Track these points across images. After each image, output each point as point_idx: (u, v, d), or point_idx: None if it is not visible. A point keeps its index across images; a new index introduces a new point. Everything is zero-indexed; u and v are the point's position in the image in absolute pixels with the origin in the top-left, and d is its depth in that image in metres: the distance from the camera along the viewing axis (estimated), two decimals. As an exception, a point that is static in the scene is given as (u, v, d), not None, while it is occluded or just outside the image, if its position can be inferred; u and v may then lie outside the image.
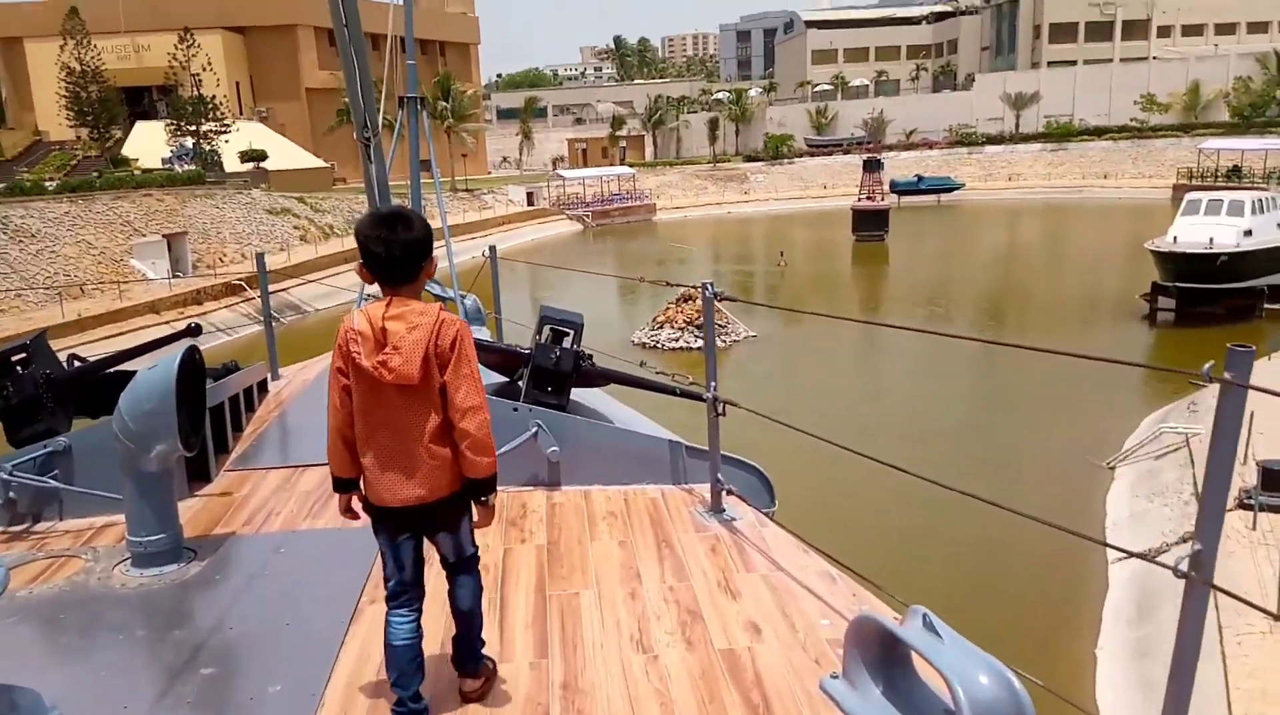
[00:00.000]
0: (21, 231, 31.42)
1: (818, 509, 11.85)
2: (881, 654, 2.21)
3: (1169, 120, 78.21)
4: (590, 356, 4.73)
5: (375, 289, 2.95)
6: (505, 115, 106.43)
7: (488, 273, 8.27)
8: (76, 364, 5.38)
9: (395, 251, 2.82)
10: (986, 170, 76.60)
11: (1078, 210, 63.25)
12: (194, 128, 51.49)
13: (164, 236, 35.59)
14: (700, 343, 25.44)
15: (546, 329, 4.77)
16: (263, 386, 7.14)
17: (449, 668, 3.10)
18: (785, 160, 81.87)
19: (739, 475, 4.53)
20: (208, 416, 5.00)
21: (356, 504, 3.02)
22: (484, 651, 3.14)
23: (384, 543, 2.98)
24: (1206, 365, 2.20)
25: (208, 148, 51.49)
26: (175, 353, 3.86)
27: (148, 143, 53.68)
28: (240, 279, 34.35)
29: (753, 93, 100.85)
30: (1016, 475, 15.92)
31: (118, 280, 31.69)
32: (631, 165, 79.52)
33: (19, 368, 4.96)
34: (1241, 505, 11.55)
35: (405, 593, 2.98)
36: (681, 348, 25.55)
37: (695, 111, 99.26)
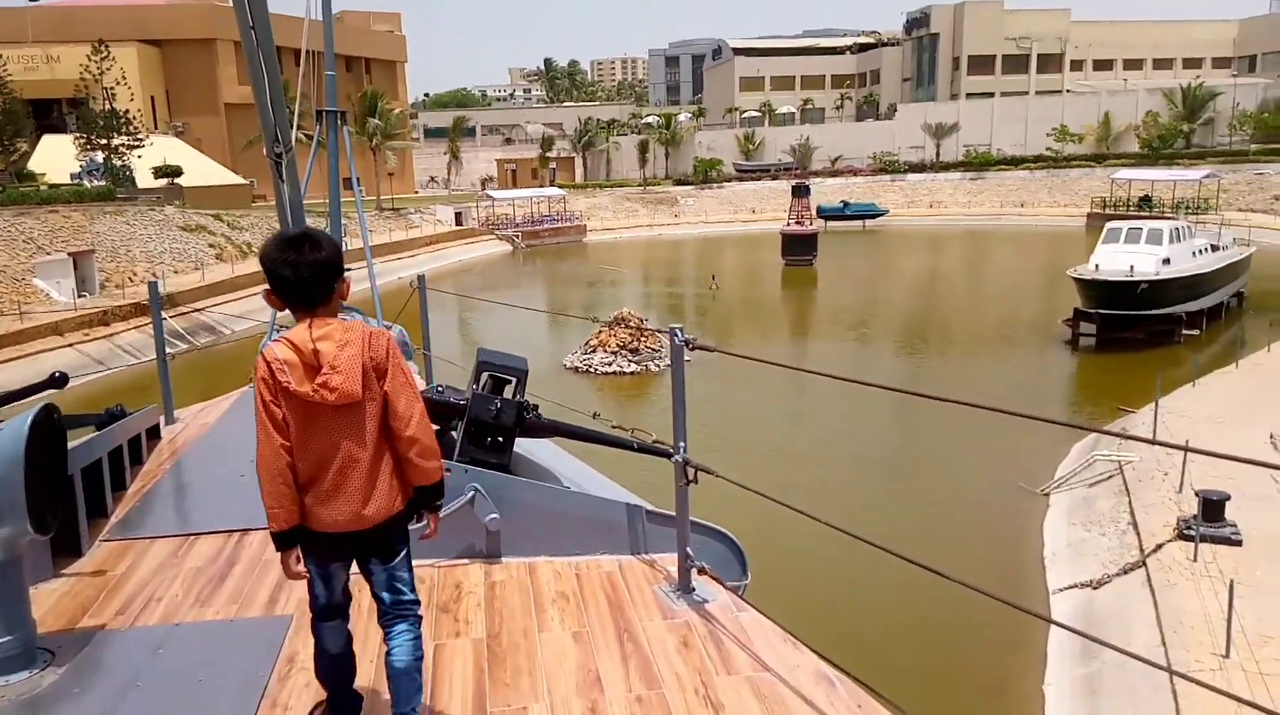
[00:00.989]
0: (-89, 248, 29.51)
1: (783, 570, 11.45)
2: None
3: (1082, 151, 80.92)
4: (535, 407, 4.10)
5: (285, 316, 2.86)
6: (433, 134, 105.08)
7: (416, 301, 7.59)
8: None
9: (305, 273, 2.74)
10: (909, 197, 78.14)
11: (997, 236, 64.83)
12: (105, 142, 49.37)
13: (70, 254, 33.81)
14: (634, 368, 25.04)
15: (485, 376, 4.12)
16: (154, 432, 6.35)
17: None
18: (715, 184, 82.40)
19: (706, 543, 3.96)
20: (78, 481, 4.29)
21: (299, 565, 2.86)
22: None
23: (313, 568, 2.89)
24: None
25: (119, 163, 49.39)
26: (25, 415, 3.08)
27: (56, 157, 51.28)
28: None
29: (682, 117, 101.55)
30: (952, 502, 15.80)
31: (19, 300, 29.94)
32: (562, 187, 79.08)
33: None
34: (1181, 536, 11.51)
35: (333, 612, 2.94)
36: (615, 372, 25.05)
37: (625, 134, 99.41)
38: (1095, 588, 11.56)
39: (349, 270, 2.99)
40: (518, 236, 64.94)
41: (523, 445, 4.15)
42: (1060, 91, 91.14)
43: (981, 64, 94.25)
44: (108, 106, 50.23)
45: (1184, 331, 27.21)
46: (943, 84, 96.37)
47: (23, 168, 48.93)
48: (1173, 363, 25.66)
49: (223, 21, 65.30)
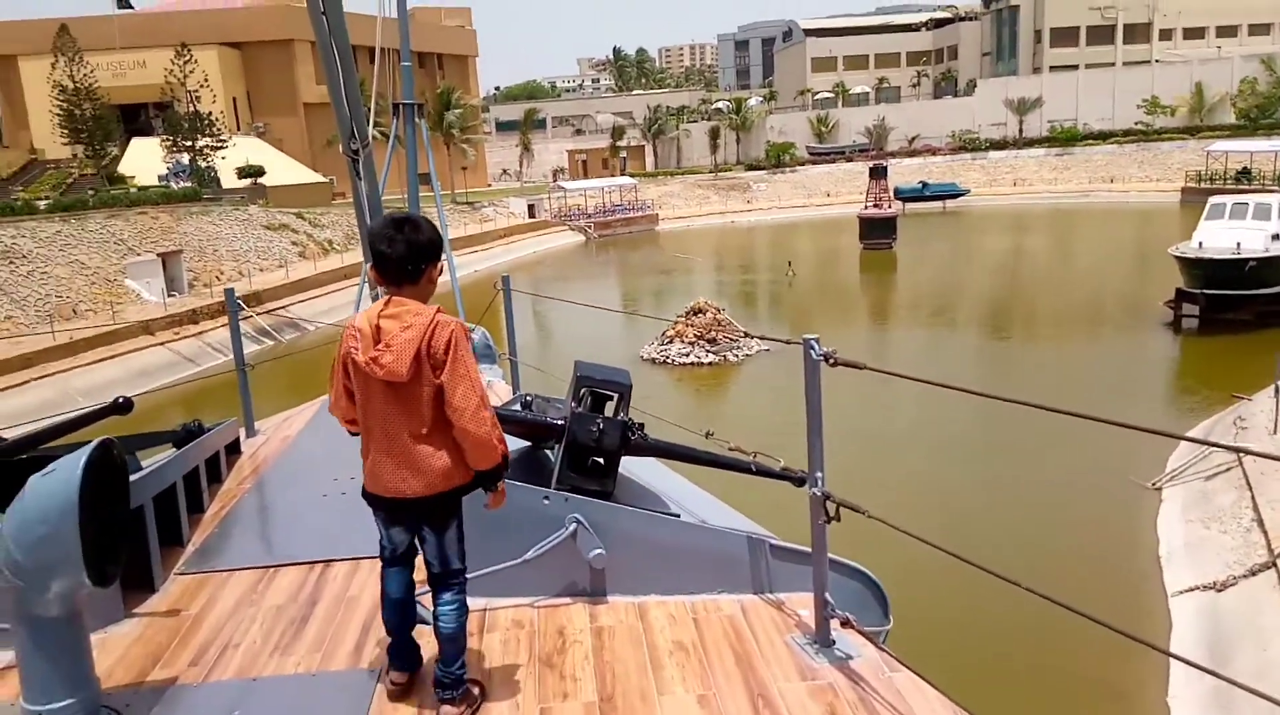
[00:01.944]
0: (11, 252, 30.59)
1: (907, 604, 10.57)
2: None
3: (1174, 123, 77.42)
4: (641, 426, 3.64)
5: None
6: (504, 127, 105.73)
7: (498, 304, 7.21)
8: None
9: (399, 249, 2.93)
10: (991, 176, 75.80)
11: (1085, 214, 62.44)
12: (190, 144, 50.72)
13: (159, 255, 34.75)
14: (712, 359, 24.61)
15: (584, 392, 3.69)
16: (234, 448, 6.10)
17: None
18: (787, 169, 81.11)
19: (842, 583, 3.46)
20: (149, 511, 4.03)
21: None
22: (468, 677, 3.11)
23: (379, 523, 3.13)
24: None
25: (204, 164, 50.69)
26: (79, 453, 2.75)
27: (144, 160, 52.90)
28: (239, 297, 33.48)
29: (752, 101, 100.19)
30: (1060, 497, 15.02)
31: (111, 300, 30.86)
32: (632, 175, 78.78)
33: None
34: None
35: (395, 560, 3.14)
36: (693, 363, 24.66)
37: (695, 121, 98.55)
38: (1219, 590, 10.78)
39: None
40: (590, 227, 64.87)
41: (624, 463, 3.77)
42: (1149, 62, 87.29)
43: (1065, 36, 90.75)
44: (192, 109, 51.58)
45: (1296, 311, 25.61)
46: (1024, 58, 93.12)
47: (113, 171, 50.58)
48: (1284, 345, 24.24)
49: (299, 22, 66.48)
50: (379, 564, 3.20)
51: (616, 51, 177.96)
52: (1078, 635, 10.51)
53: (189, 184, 47.14)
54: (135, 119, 63.01)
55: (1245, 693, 8.58)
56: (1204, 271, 25.16)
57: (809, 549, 3.16)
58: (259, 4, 69.63)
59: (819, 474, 3.02)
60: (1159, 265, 36.21)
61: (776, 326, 32.20)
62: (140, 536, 3.97)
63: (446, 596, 3.05)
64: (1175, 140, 73.39)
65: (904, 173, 71.58)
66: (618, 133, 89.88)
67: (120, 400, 4.33)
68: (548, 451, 3.99)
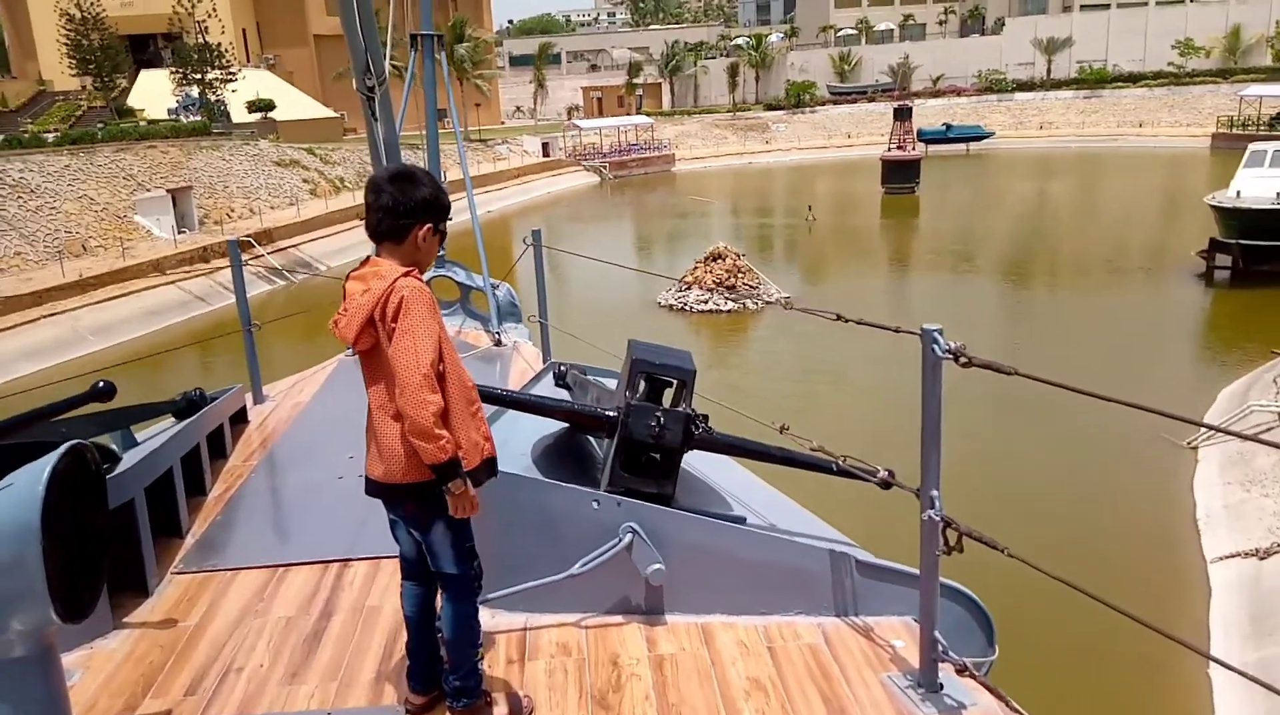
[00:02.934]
0: (20, 186, 30.09)
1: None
2: None
3: (1207, 66, 75.14)
4: (705, 417, 3.09)
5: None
6: (517, 62, 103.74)
7: (526, 260, 6.58)
8: None
9: (383, 201, 2.70)
10: (1017, 118, 74.04)
11: (1114, 159, 60.96)
12: (199, 76, 49.78)
13: (168, 191, 34.19)
14: (730, 306, 24.08)
15: (640, 379, 3.11)
16: (240, 417, 5.58)
17: None
18: (807, 109, 79.36)
19: (940, 606, 2.82)
20: (140, 505, 3.56)
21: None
22: (478, 688, 2.83)
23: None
24: None
25: (214, 97, 49.82)
26: (42, 463, 2.19)
27: (153, 92, 52.03)
28: (249, 236, 32.99)
29: (773, 38, 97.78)
30: (1091, 452, 14.57)
31: (121, 237, 30.44)
32: (649, 114, 77.30)
33: None
34: None
35: (413, 572, 2.88)
36: (711, 311, 24.16)
37: (714, 58, 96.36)
38: (1263, 558, 10.38)
39: (449, 220, 2.78)
40: (605, 167, 63.78)
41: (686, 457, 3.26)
42: (1183, 1, 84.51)
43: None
44: (201, 40, 50.51)
45: (1335, 264, 24.83)
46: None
47: (123, 104, 49.79)
48: (1321, 299, 23.55)
49: (310, -49, 64.89)
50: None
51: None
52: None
53: (198, 117, 46.37)
54: (144, 50, 61.91)
55: (1294, 669, 8.06)
56: (1241, 221, 24.34)
57: (903, 567, 2.69)
58: (268, -69, 67.92)
59: (935, 493, 2.50)
60: (1189, 213, 35.30)
61: (795, 272, 31.58)
62: (131, 534, 3.54)
63: (446, 599, 2.80)
64: (1207, 84, 71.34)
65: (927, 114, 69.89)
66: (634, 69, 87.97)
67: (100, 384, 3.87)
68: (589, 437, 3.51)
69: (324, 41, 67.31)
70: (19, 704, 2.24)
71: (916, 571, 2.63)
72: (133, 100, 51.10)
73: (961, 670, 2.73)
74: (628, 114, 78.66)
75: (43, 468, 2.17)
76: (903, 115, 47.99)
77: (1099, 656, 9.25)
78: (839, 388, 18.31)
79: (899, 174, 46.36)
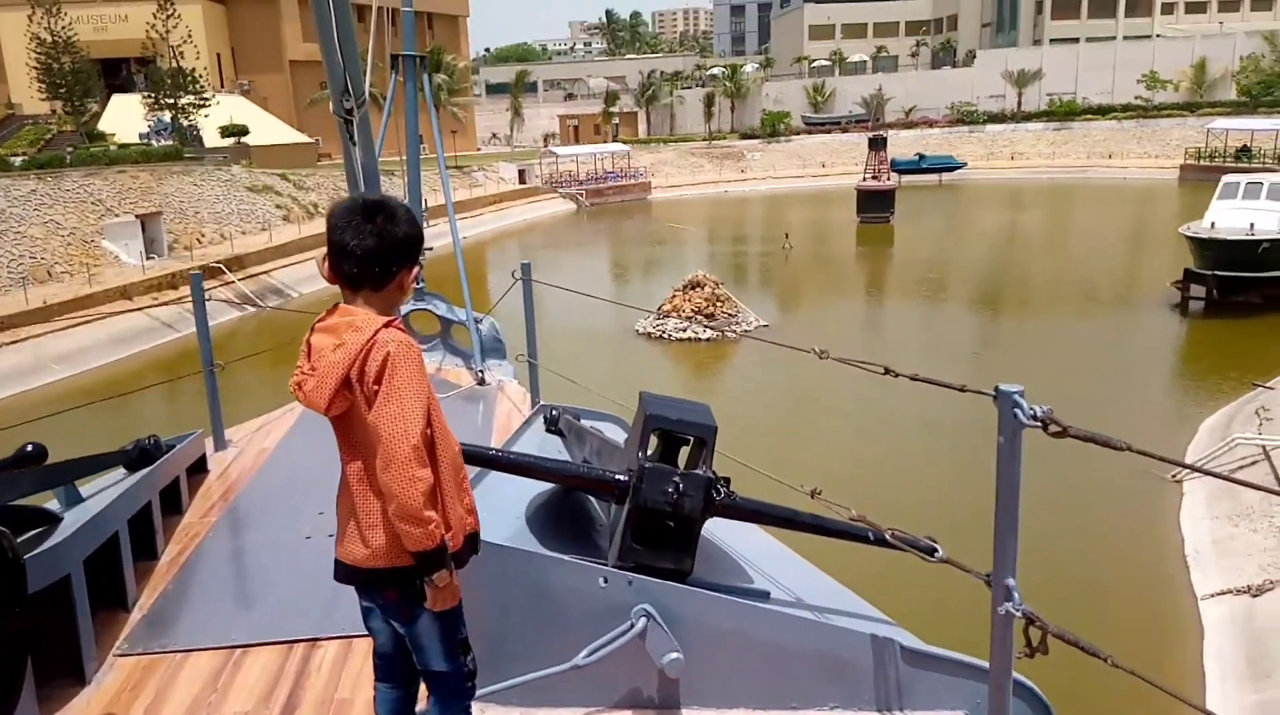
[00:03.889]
0: (-16, 210, 29.47)
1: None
2: None
3: (1174, 99, 76.53)
4: (726, 481, 2.69)
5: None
6: (494, 90, 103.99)
7: (516, 299, 6.19)
8: None
9: (367, 244, 2.31)
10: (989, 149, 74.90)
11: (1084, 190, 61.70)
12: (172, 101, 49.27)
13: (138, 216, 33.61)
14: (709, 335, 23.87)
15: (654, 438, 2.72)
16: (200, 466, 5.12)
17: None
18: (782, 138, 79.92)
19: (962, 687, 2.51)
20: (78, 582, 3.17)
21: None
22: None
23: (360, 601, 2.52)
24: None
25: (186, 122, 49.31)
26: None
27: (125, 117, 51.42)
28: (219, 262, 32.54)
29: (748, 68, 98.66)
30: (1075, 486, 14.40)
31: (88, 263, 29.82)
32: (625, 142, 77.47)
33: None
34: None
35: (390, 672, 2.54)
36: (690, 339, 23.94)
37: (690, 87, 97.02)
38: (1255, 595, 10.21)
39: (428, 250, 2.24)
40: (582, 194, 63.73)
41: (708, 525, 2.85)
42: (1150, 36, 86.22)
43: (1066, 7, 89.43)
44: (174, 65, 50.05)
45: (1306, 295, 25.05)
46: (1025, 29, 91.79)
47: (93, 128, 49.14)
48: (1294, 329, 23.71)
49: (286, -23, 64.77)
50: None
51: (609, 14, 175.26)
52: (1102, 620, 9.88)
53: (170, 142, 45.82)
54: (116, 74, 61.32)
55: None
56: (1216, 252, 24.53)
57: (956, 655, 2.34)
58: (244, -43, 67.73)
59: (1011, 582, 2.14)
60: (1161, 244, 35.64)
61: (773, 300, 31.48)
62: (67, 612, 3.11)
63: (432, 705, 2.47)
64: (1175, 117, 72.60)
65: (900, 144, 70.52)
66: (611, 98, 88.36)
67: (29, 448, 3.48)
68: (589, 498, 3.15)
69: (299, 67, 67.03)
70: None
71: (972, 660, 2.30)
72: (104, 125, 50.45)
73: None
74: (604, 142, 78.81)
75: None
76: (878, 145, 48.34)
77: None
78: (830, 416, 18.08)
79: (874, 203, 46.60)
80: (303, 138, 60.97)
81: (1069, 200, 59.21)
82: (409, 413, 2.20)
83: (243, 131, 51.67)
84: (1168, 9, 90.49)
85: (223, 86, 62.98)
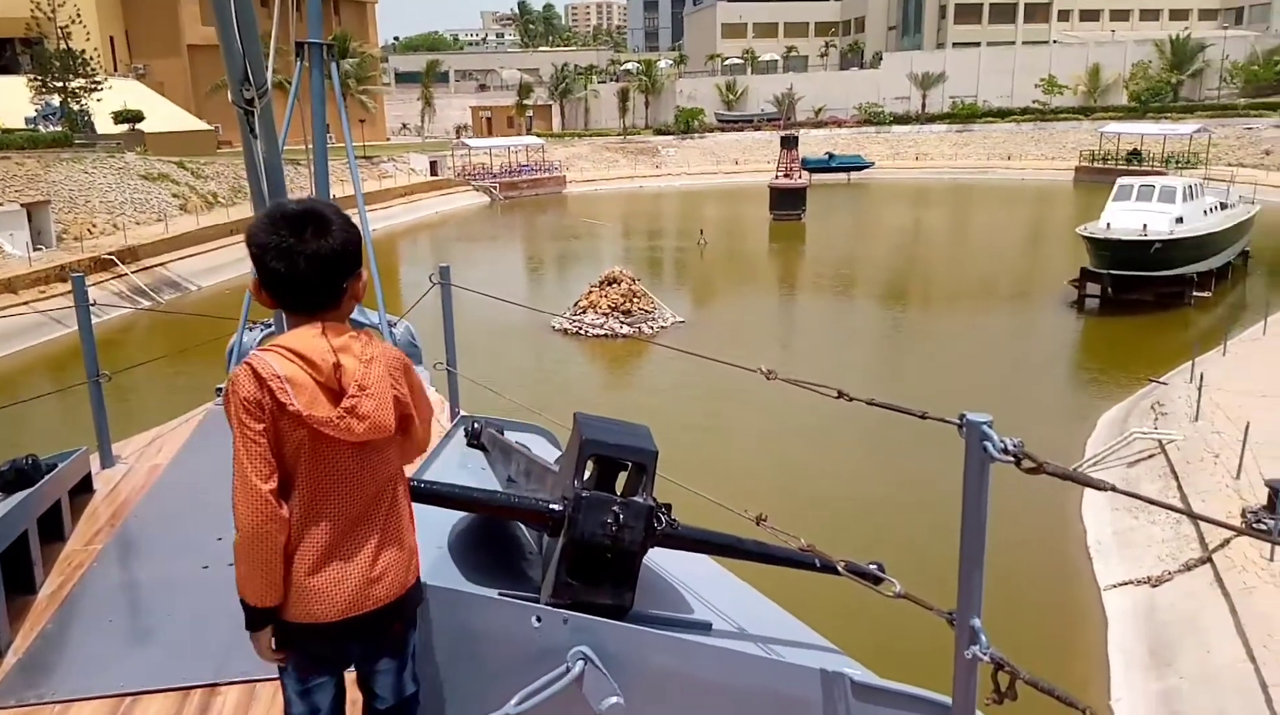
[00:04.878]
0: None
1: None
2: None
3: (1070, 103, 79.56)
4: (668, 508, 2.47)
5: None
6: (404, 79, 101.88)
7: (430, 298, 5.88)
8: None
9: (305, 266, 2.08)
10: (894, 149, 76.64)
11: (984, 190, 63.66)
12: (61, 84, 46.76)
13: (23, 205, 31.78)
14: (627, 330, 23.77)
15: (590, 464, 2.48)
16: (84, 486, 4.69)
17: None
18: (697, 135, 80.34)
19: None
20: None
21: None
22: None
23: (293, 687, 2.22)
24: None
25: (76, 107, 46.86)
26: None
27: (9, 100, 48.52)
28: (111, 253, 31.04)
29: (662, 64, 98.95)
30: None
31: (-33, 254, 28.08)
32: (539, 135, 76.79)
33: None
34: (1250, 529, 10.53)
35: None
36: (606, 335, 23.79)
37: (604, 82, 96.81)
38: (1154, 585, 10.60)
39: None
40: (495, 187, 62.93)
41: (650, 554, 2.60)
42: (1047, 42, 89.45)
43: (968, 12, 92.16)
44: (63, 47, 47.53)
45: (1194, 293, 26.30)
46: (929, 33, 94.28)
47: (-27, 111, 46.31)
48: (1182, 326, 24.84)
49: (183, -43, 62.18)
50: (282, 690, 2.25)
51: (522, 5, 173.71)
52: (1010, 625, 10.13)
53: (59, 128, 43.50)
54: (0, 54, 58.00)
55: (1191, 696, 8.15)
56: (1112, 252, 25.51)
57: (910, 689, 2.19)
58: (138, -65, 64.80)
59: (977, 623, 1.99)
60: (1059, 243, 36.97)
61: (688, 296, 31.56)
62: None
63: None
64: (1070, 120, 75.45)
65: (810, 144, 71.59)
66: (524, 90, 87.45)
67: None
68: (518, 528, 2.89)
69: (198, 52, 64.49)
70: None
71: (929, 695, 2.17)
72: (-15, 107, 47.62)
73: None
74: (518, 134, 77.96)
75: None
76: (789, 144, 48.94)
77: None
78: (745, 405, 18.13)
79: (786, 201, 47.18)
80: (201, 125, 58.68)
81: (970, 200, 61.03)
82: (429, 406, 2.37)
83: (137, 117, 49.46)
84: (1064, 16, 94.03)
85: (116, 70, 60.17)
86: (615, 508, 2.36)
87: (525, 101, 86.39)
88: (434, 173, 63.36)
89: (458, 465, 3.37)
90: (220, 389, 5.81)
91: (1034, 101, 79.90)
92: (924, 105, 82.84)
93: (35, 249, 30.55)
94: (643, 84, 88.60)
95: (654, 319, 24.67)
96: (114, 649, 3.42)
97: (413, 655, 2.31)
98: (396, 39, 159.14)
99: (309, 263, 2.08)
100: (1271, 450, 12.41)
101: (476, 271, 34.21)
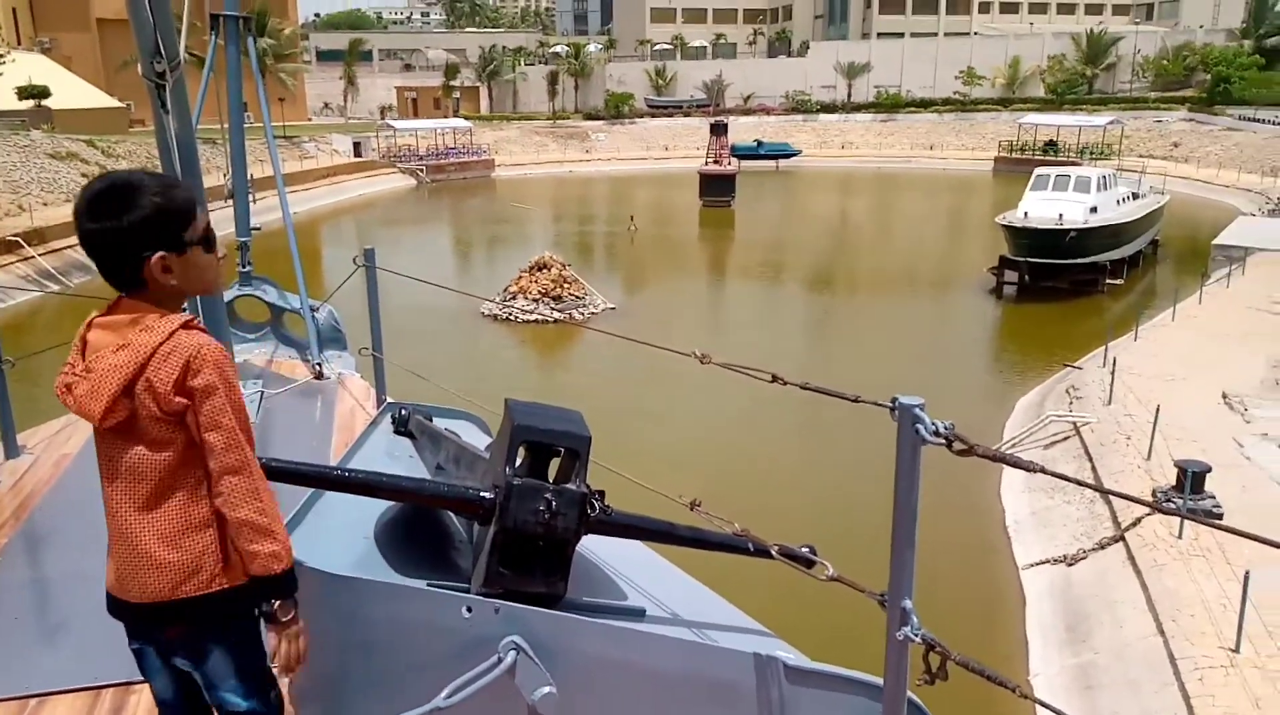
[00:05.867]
0: None
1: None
2: None
3: (990, 94, 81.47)
4: (601, 495, 2.44)
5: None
6: (326, 57, 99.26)
7: (354, 283, 5.70)
8: None
9: (99, 242, 1.99)
10: (821, 138, 77.55)
11: (908, 179, 64.83)
12: (-42, 56, 44.50)
13: (-82, 183, 30.22)
14: (557, 316, 23.62)
15: (522, 450, 2.42)
16: None
17: None
18: (626, 120, 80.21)
19: (854, 706, 2.24)
20: None
21: None
22: None
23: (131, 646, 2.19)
24: None
25: (-25, 80, 44.67)
26: None
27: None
28: (16, 235, 29.70)
29: (592, 48, 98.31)
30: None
31: None
32: (467, 118, 75.73)
33: None
34: (1158, 508, 10.93)
35: None
36: (537, 321, 23.60)
37: (533, 64, 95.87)
38: (1070, 564, 10.95)
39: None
40: (422, 170, 61.89)
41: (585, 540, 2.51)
42: (969, 34, 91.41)
43: (893, 3, 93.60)
44: (-41, 16, 45.23)
45: (1108, 280, 27.21)
46: (854, 22, 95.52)
47: None
48: (1096, 312, 25.69)
49: (91, -75, 59.57)
50: None
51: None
52: (929, 602, 10.33)
53: (-44, 102, 41.42)
54: (-112, 23, 54.93)
55: (1106, 669, 8.44)
56: (1029, 240, 26.22)
57: (839, 670, 2.20)
58: (42, -99, 61.93)
59: (908, 604, 2.00)
60: (978, 232, 37.91)
61: (619, 282, 31.52)
62: None
63: None
64: (990, 111, 77.27)
65: (739, 131, 71.92)
66: (451, 71, 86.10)
67: None
68: (448, 516, 2.81)
69: (108, 26, 61.96)
70: None
71: (860, 676, 2.17)
72: (-127, 79, 45.05)
73: None
74: (445, 116, 76.74)
75: None
76: (719, 131, 49.14)
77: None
78: (679, 391, 18.20)
79: (716, 187, 47.42)
80: (113, 102, 56.38)
81: (894, 188, 62.14)
82: (240, 415, 2.02)
83: (43, 93, 47.35)
84: (984, 8, 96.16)
85: (19, 44, 57.45)
86: (548, 495, 2.31)
87: (452, 83, 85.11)
88: (358, 154, 62.01)
89: (384, 453, 3.27)
90: None
91: (955, 92, 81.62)
92: (850, 94, 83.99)
93: (-68, 230, 29.05)
94: (572, 68, 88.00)
95: (585, 305, 24.57)
96: (20, 648, 3.26)
97: (237, 669, 2.14)
98: (318, 15, 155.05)
99: (101, 238, 1.98)
100: (1180, 432, 12.92)
101: (403, 256, 33.59)
